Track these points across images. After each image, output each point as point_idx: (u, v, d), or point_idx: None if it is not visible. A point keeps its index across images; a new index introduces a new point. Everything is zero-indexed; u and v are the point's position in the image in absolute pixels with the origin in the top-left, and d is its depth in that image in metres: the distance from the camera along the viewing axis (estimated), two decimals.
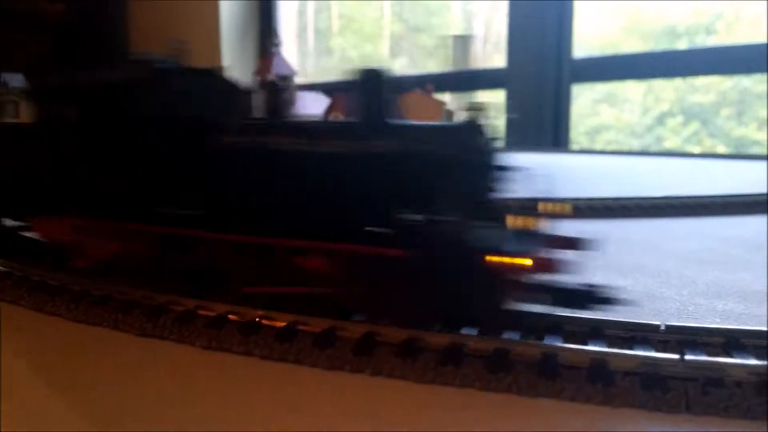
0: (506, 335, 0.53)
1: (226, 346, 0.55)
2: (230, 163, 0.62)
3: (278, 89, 0.68)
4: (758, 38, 4.06)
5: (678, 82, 4.18)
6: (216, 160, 0.62)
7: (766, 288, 0.71)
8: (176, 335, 0.58)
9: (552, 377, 0.48)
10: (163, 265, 0.65)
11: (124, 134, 0.66)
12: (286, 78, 4.13)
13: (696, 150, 3.98)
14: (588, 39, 4.44)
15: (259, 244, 0.58)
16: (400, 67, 5.90)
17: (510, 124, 4.23)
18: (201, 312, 0.59)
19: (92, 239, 0.69)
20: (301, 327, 0.55)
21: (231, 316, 0.58)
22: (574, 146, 4.33)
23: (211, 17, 5.85)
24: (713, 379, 0.45)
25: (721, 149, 3.12)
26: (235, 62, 5.78)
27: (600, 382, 0.47)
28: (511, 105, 4.21)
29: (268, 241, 0.58)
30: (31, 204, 0.75)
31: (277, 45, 4.21)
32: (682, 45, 4.07)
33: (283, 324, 0.55)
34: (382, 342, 0.53)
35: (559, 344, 0.51)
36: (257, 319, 0.57)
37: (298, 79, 4.93)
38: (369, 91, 0.60)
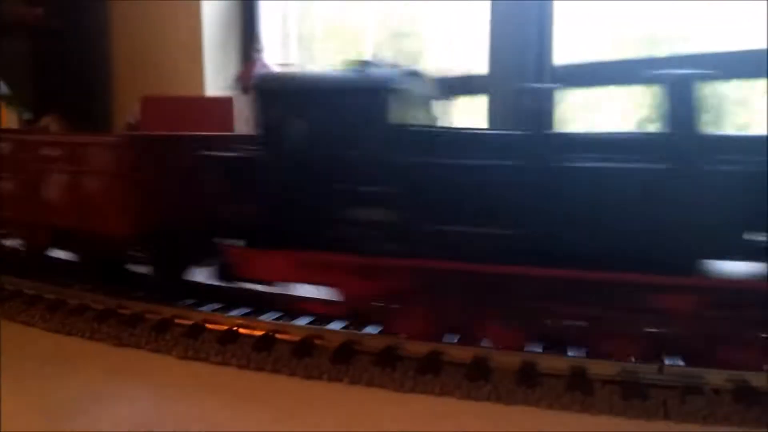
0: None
1: (202, 356, 0.54)
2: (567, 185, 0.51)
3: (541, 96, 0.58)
4: (734, 47, 4.11)
5: (657, 88, 4.21)
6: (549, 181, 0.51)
7: None
8: (152, 344, 0.57)
9: (531, 385, 0.47)
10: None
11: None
12: None
13: None
14: (568, 46, 4.48)
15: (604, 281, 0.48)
16: None
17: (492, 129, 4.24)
18: (177, 321, 0.58)
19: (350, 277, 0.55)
20: (278, 336, 0.54)
21: (208, 325, 0.57)
22: None
23: (194, 20, 5.81)
24: (692, 387, 0.45)
25: None
26: (217, 67, 5.75)
27: (579, 390, 0.47)
28: (494, 111, 4.23)
29: (613, 276, 0.48)
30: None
31: (259, 51, 4.21)
32: (661, 52, 4.11)
33: (261, 333, 0.55)
34: (361, 351, 0.52)
35: (539, 352, 0.50)
36: (234, 328, 0.56)
37: None
38: (680, 99, 0.51)
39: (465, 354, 0.50)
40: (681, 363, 0.48)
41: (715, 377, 0.45)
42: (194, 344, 0.55)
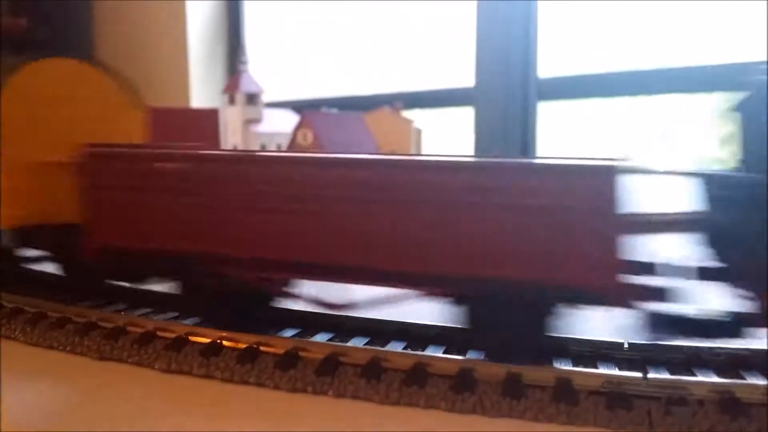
0: (470, 355, 0.53)
1: (186, 369, 0.54)
2: None
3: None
4: (717, 60, 4.17)
5: (641, 100, 4.27)
6: None
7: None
8: (135, 358, 0.56)
9: (517, 397, 0.47)
10: None
11: None
12: (254, 96, 4.11)
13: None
14: (552, 59, 4.52)
15: None
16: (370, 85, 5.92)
17: (479, 141, 4.28)
18: (160, 333, 0.58)
19: None
20: (263, 348, 0.54)
21: (191, 338, 0.57)
22: None
23: (179, 32, 5.80)
24: (676, 398, 0.45)
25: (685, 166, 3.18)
26: (203, 79, 5.74)
27: (564, 402, 0.46)
28: (480, 122, 4.25)
29: None
30: None
31: (244, 63, 4.20)
32: (646, 65, 4.16)
33: (245, 345, 0.54)
34: (346, 363, 0.52)
35: (524, 364, 0.50)
36: (218, 341, 0.55)
37: (267, 97, 4.92)
38: None
39: (450, 366, 0.50)
40: (666, 374, 0.48)
41: (700, 388, 0.45)
42: (177, 357, 0.55)
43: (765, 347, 0.51)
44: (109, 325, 0.60)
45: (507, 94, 4.13)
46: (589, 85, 4.07)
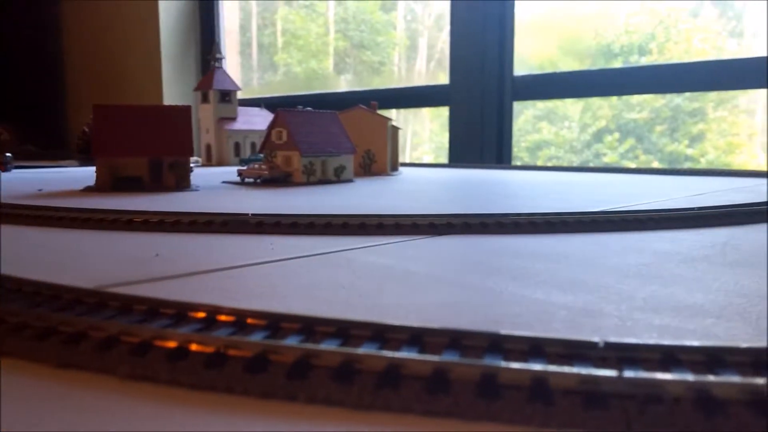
0: (446, 355, 0.52)
1: (151, 375, 0.52)
2: None
3: None
4: (687, 58, 4.25)
5: (614, 99, 4.33)
6: None
7: (697, 302, 0.72)
8: (98, 364, 0.54)
9: (492, 398, 0.46)
10: None
11: None
12: (229, 93, 4.07)
13: (632, 165, 4.14)
14: (527, 57, 4.56)
15: None
16: (346, 83, 5.93)
17: (454, 140, 4.31)
18: (124, 338, 0.56)
19: None
20: (231, 352, 0.52)
21: (157, 342, 0.55)
22: (517, 162, 4.41)
23: (152, 28, 5.74)
24: (652, 396, 0.45)
25: (656, 164, 3.23)
26: (176, 76, 5.68)
27: (540, 402, 0.46)
28: (455, 121, 4.27)
29: None
30: None
31: (219, 60, 4.16)
32: (617, 64, 4.22)
33: (213, 349, 0.52)
34: (318, 366, 0.50)
35: (499, 363, 0.49)
36: (185, 345, 0.54)
37: (242, 95, 4.88)
38: None
39: (424, 367, 0.49)
40: (642, 372, 0.48)
41: (676, 387, 0.45)
42: (142, 362, 0.53)
43: (740, 345, 0.51)
44: (70, 330, 0.57)
45: (482, 92, 4.16)
46: (565, 83, 4.12)
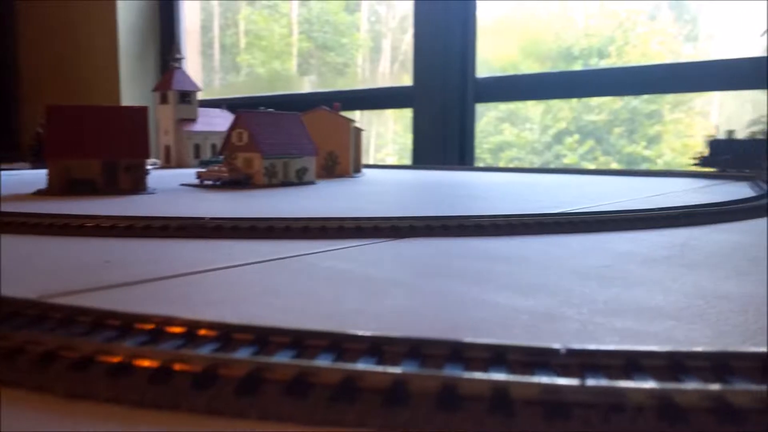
0: (405, 365, 0.50)
1: (91, 392, 0.49)
2: None
3: None
4: (645, 61, 4.33)
5: (574, 102, 4.39)
6: None
7: (658, 304, 0.72)
8: (34, 380, 0.50)
9: (452, 410, 0.45)
10: None
11: None
12: (188, 94, 3.99)
13: (591, 166, 4.18)
14: (489, 59, 4.59)
15: None
16: (310, 84, 5.88)
17: (418, 141, 4.31)
18: (63, 353, 0.52)
19: None
20: (177, 367, 0.49)
21: (99, 357, 0.51)
22: (480, 163, 4.44)
23: (109, 28, 5.61)
24: (614, 405, 0.44)
25: (614, 165, 3.28)
26: (134, 76, 5.56)
27: (501, 413, 0.44)
28: (418, 122, 4.27)
29: None
30: None
31: (179, 60, 4.08)
32: (577, 67, 4.27)
33: (157, 364, 0.50)
34: (270, 380, 0.48)
35: (459, 374, 0.48)
36: (130, 359, 0.51)
37: (203, 96, 4.80)
38: None
39: (382, 379, 0.47)
40: (604, 380, 0.47)
41: (638, 395, 0.44)
42: (82, 379, 0.50)
43: (702, 349, 0.50)
44: (6, 345, 0.54)
45: (445, 94, 4.17)
46: (527, 86, 4.15)
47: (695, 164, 3.24)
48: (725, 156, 3.11)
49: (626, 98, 4.14)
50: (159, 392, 0.48)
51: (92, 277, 0.87)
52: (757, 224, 1.37)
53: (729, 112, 4.15)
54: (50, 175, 2.16)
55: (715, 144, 3.18)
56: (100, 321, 0.62)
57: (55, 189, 2.15)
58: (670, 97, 4.13)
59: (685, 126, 4.25)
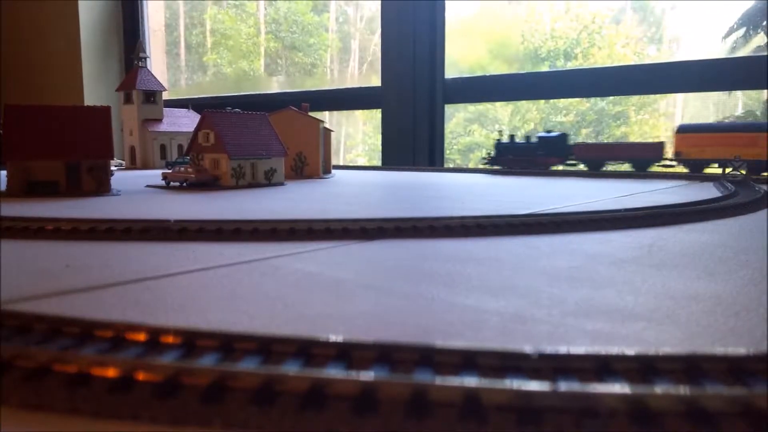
0: (375, 371, 0.49)
1: (47, 403, 0.46)
2: None
3: None
4: (610, 63, 4.39)
5: (542, 103, 4.44)
6: None
7: (627, 305, 0.72)
8: None
9: (422, 417, 0.44)
10: None
11: None
12: (153, 94, 3.92)
13: (559, 168, 4.20)
14: (457, 60, 4.60)
15: None
16: (278, 84, 5.84)
17: (387, 142, 4.30)
18: (18, 362, 0.50)
19: None
20: (139, 375, 0.47)
21: (56, 366, 0.49)
22: (450, 164, 4.45)
23: (71, 26, 5.48)
24: (587, 410, 0.43)
25: (582, 167, 3.31)
26: (98, 76, 5.44)
27: (473, 420, 0.43)
28: (387, 123, 4.26)
29: None
30: None
31: (143, 59, 4.00)
32: (544, 68, 4.32)
33: (118, 373, 0.48)
34: (235, 388, 0.46)
35: (429, 379, 0.47)
36: (87, 368, 0.48)
37: (169, 96, 4.72)
38: None
39: (351, 386, 0.46)
40: (576, 384, 0.46)
41: (611, 399, 0.43)
42: (37, 389, 0.47)
43: (673, 351, 0.50)
44: None
45: (414, 95, 4.16)
46: (495, 87, 4.18)
47: (485, 164, 3.58)
48: (509, 156, 3.48)
49: (593, 100, 4.19)
50: (119, 402, 0.46)
51: (51, 282, 0.84)
52: (724, 224, 1.39)
53: (692, 113, 4.23)
54: (9, 177, 2.10)
55: (500, 146, 3.53)
56: (58, 328, 0.59)
57: (15, 191, 2.09)
58: (636, 99, 4.19)
59: (650, 127, 4.32)
